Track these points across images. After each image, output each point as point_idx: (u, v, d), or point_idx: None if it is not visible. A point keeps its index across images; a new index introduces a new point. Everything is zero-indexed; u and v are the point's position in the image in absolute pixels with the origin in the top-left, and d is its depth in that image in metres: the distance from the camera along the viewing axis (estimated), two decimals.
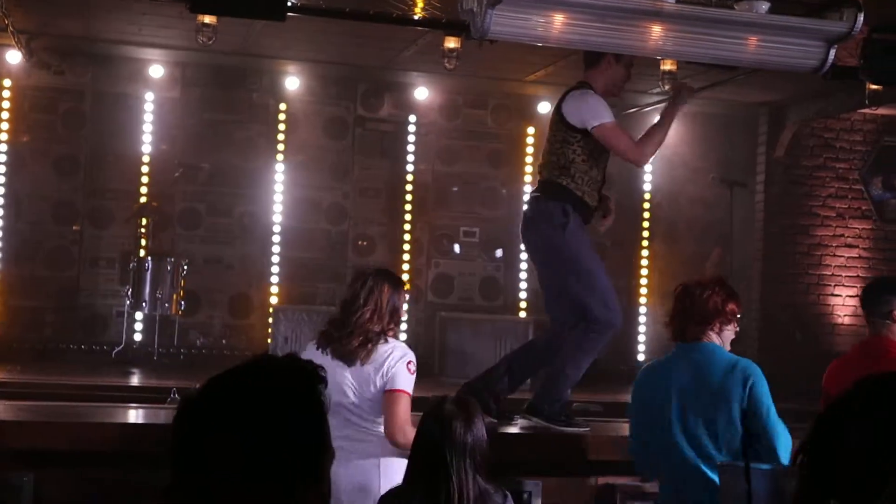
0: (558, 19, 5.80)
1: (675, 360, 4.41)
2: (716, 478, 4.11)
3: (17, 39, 9.11)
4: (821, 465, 1.78)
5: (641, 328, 11.18)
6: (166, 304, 9.41)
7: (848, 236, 11.20)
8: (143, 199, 10.15)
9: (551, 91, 10.51)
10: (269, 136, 10.63)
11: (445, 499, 3.54)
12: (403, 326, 9.29)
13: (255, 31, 8.94)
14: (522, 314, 10.86)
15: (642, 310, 11.23)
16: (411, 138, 10.95)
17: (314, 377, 1.96)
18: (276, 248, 10.58)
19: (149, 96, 10.33)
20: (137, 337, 9.96)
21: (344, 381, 4.45)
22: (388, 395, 4.42)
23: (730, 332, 4.46)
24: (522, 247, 10.83)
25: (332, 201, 10.81)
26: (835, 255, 11.16)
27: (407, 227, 10.92)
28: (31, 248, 10.11)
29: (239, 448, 1.84)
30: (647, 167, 11.23)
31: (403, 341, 4.82)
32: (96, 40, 10.01)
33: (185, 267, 9.57)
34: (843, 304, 11.11)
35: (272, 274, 10.56)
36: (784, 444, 4.18)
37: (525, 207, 6.07)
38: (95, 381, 8.26)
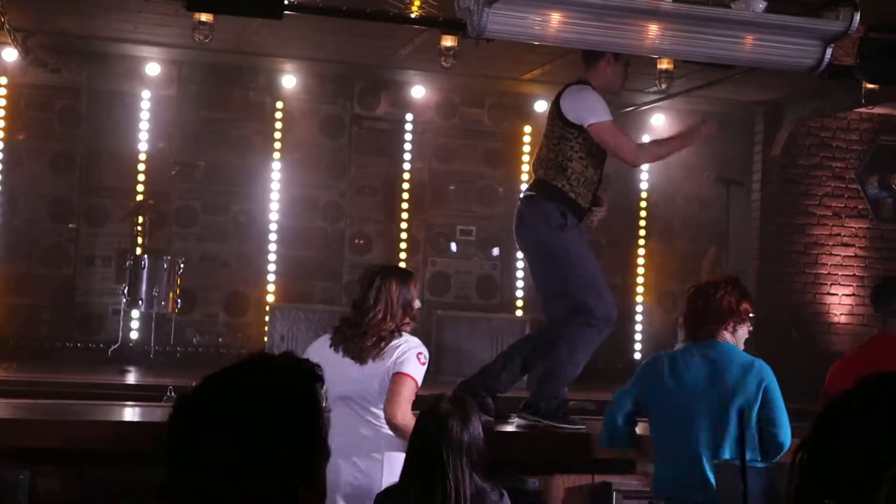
0: (555, 18, 5.81)
1: (690, 355, 4.41)
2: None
3: (13, 37, 9.10)
4: (820, 463, 1.78)
5: (637, 326, 11.19)
6: (162, 303, 9.40)
7: (844, 235, 11.21)
8: (139, 197, 10.14)
9: (548, 90, 10.50)
10: (266, 134, 10.62)
11: (442, 497, 3.54)
12: None
13: (251, 29, 8.93)
14: (519, 312, 10.86)
15: (638, 308, 11.24)
16: (408, 137, 10.95)
17: (311, 376, 1.96)
18: (272, 247, 10.57)
19: (145, 94, 10.32)
20: (134, 335, 9.95)
21: (353, 376, 4.47)
22: (394, 376, 4.41)
23: (743, 331, 4.48)
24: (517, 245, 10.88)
25: (329, 200, 10.80)
26: (831, 254, 11.18)
27: (404, 225, 10.91)
28: (27, 246, 10.10)
29: (235, 446, 1.84)
30: (644, 165, 11.23)
31: None
32: (92, 38, 9.99)
33: (182, 265, 9.55)
34: (840, 302, 11.12)
35: (269, 272, 10.55)
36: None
37: (518, 205, 6.05)
38: (91, 379, 8.25)
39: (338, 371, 4.48)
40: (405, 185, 10.93)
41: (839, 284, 11.15)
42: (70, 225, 10.24)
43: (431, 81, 10.67)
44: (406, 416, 4.24)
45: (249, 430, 1.85)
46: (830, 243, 11.19)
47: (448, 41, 7.83)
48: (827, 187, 11.22)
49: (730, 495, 3.80)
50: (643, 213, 11.40)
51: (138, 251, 9.71)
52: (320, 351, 4.57)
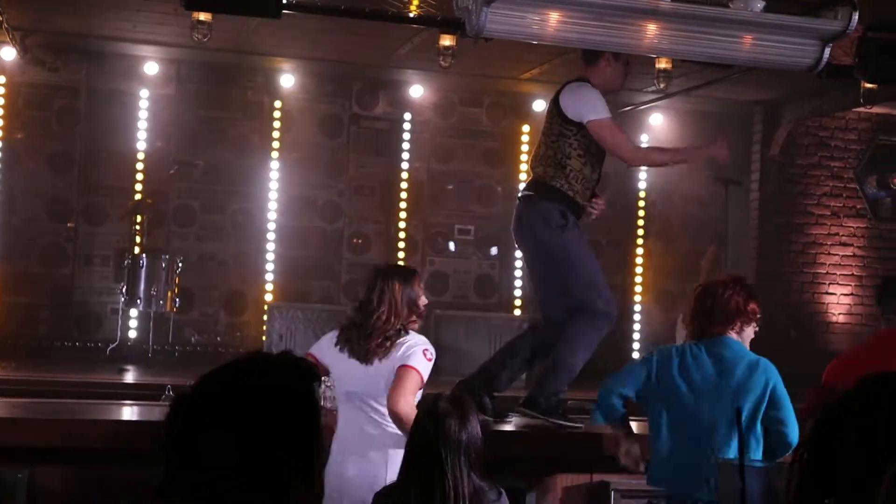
0: (553, 17, 5.81)
1: (699, 352, 4.42)
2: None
3: (12, 36, 9.09)
4: (820, 463, 1.78)
5: (636, 326, 11.19)
6: (161, 302, 9.40)
7: (842, 235, 11.22)
8: (137, 197, 10.14)
9: (546, 89, 10.50)
10: (264, 133, 10.62)
11: (441, 497, 3.54)
12: None
13: (250, 28, 8.93)
14: (517, 312, 10.85)
15: (637, 308, 11.24)
16: (406, 136, 10.95)
17: (309, 375, 1.96)
18: (270, 246, 10.57)
19: (143, 93, 10.31)
20: (132, 334, 9.95)
21: (359, 375, 4.48)
22: (399, 369, 4.41)
23: (749, 331, 4.49)
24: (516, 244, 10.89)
25: (327, 199, 10.80)
26: (829, 254, 11.18)
27: (402, 224, 10.91)
28: (26, 245, 10.09)
29: (234, 446, 1.84)
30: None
31: None
32: (91, 37, 9.99)
33: (180, 264, 9.55)
34: (838, 302, 11.12)
35: (267, 271, 10.55)
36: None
37: (517, 207, 6.04)
38: (90, 378, 8.25)
39: (344, 368, 4.49)
40: (403, 185, 10.93)
41: (837, 284, 11.16)
42: (68, 224, 10.24)
43: (430, 81, 10.67)
44: (408, 406, 4.24)
45: (249, 429, 1.85)
46: (829, 243, 11.19)
47: (446, 40, 7.83)
48: (825, 187, 11.23)
49: (729, 494, 3.80)
50: (642, 213, 11.40)
51: (137, 250, 9.70)
52: (329, 347, 4.58)
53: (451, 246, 11.09)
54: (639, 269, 11.31)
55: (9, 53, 9.62)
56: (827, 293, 11.14)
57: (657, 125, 11.21)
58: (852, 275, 11.19)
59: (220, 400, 1.89)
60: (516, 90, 10.98)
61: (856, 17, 5.96)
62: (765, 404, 4.29)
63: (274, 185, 10.58)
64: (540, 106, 10.82)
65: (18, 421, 5.40)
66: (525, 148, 11.06)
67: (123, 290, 9.39)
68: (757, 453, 4.28)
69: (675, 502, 4.39)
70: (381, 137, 10.96)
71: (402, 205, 10.91)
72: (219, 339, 10.38)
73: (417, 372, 4.41)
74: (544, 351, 5.95)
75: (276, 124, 10.61)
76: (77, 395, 7.00)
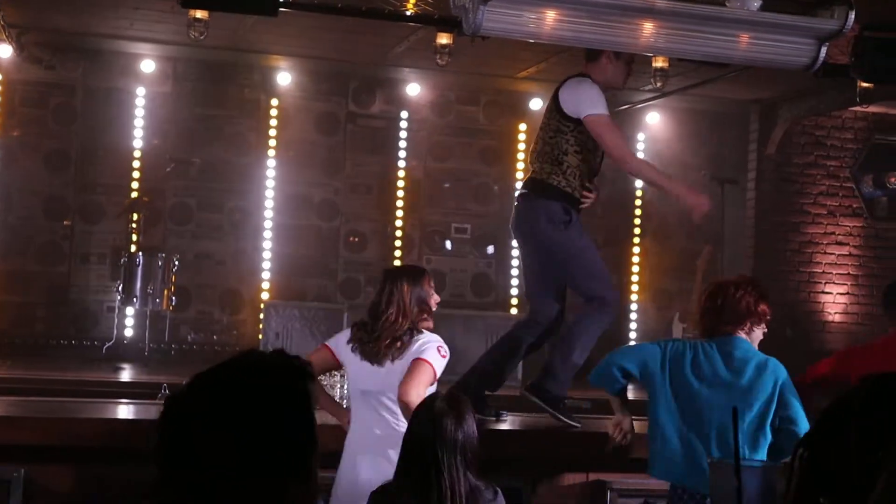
0: (550, 16, 5.81)
1: (710, 349, 4.43)
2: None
3: (8, 34, 9.09)
4: (819, 461, 1.79)
5: (632, 325, 11.20)
6: (157, 300, 9.39)
7: (839, 234, 11.23)
8: (134, 195, 10.13)
9: (543, 88, 10.52)
10: (261, 131, 10.62)
11: (437, 496, 3.54)
12: None
13: (246, 26, 8.92)
14: (514, 311, 10.86)
15: (633, 306, 11.25)
16: (403, 134, 10.95)
17: (304, 373, 1.95)
18: (267, 244, 10.57)
19: (140, 91, 10.31)
20: (128, 332, 9.95)
21: (371, 375, 4.48)
22: (412, 362, 4.40)
23: (759, 332, 4.50)
24: (516, 243, 10.88)
25: (324, 197, 10.80)
26: (825, 253, 11.19)
27: (398, 223, 10.91)
28: (22, 243, 10.09)
29: (234, 445, 1.83)
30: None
31: None
32: (87, 35, 9.99)
33: (177, 262, 9.55)
34: (834, 301, 11.14)
35: (263, 269, 10.55)
36: None
37: (518, 204, 6.05)
38: (86, 376, 8.25)
39: (358, 368, 4.50)
40: (400, 183, 10.93)
41: (833, 283, 11.17)
42: (65, 222, 10.23)
43: (426, 79, 10.67)
44: (419, 398, 4.22)
45: (249, 429, 1.85)
46: (825, 242, 11.20)
47: (443, 39, 7.84)
48: (822, 186, 11.24)
49: (724, 493, 3.80)
50: (638, 212, 11.41)
51: (133, 248, 9.70)
52: (344, 344, 4.60)
53: (448, 244, 11.09)
54: (635, 268, 11.31)
55: (5, 51, 9.61)
56: (823, 292, 11.15)
57: (654, 124, 11.22)
58: (848, 274, 11.20)
59: (218, 399, 1.88)
60: (513, 89, 10.98)
61: (852, 16, 5.97)
62: (774, 404, 4.31)
63: (270, 183, 10.58)
64: (537, 104, 10.83)
65: (14, 419, 5.40)
66: (522, 147, 11.07)
67: (120, 288, 9.38)
68: (763, 453, 4.29)
69: (682, 497, 4.39)
70: (378, 136, 10.96)
71: (399, 203, 10.91)
72: (215, 337, 10.37)
73: (431, 366, 4.40)
74: (537, 348, 6.00)
75: (273, 122, 10.61)
76: (73, 394, 7.00)
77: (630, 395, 4.96)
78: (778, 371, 4.36)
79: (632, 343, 11.11)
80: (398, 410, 4.41)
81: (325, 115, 10.82)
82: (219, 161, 10.47)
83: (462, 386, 5.71)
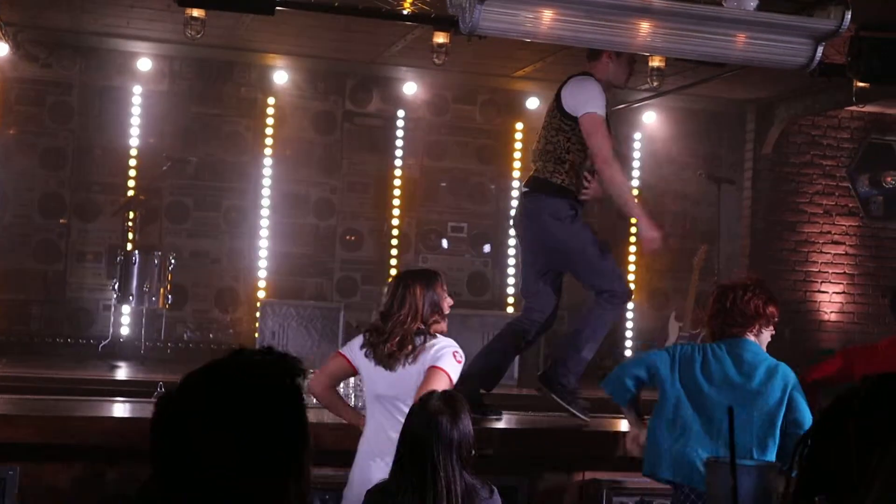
0: (547, 15, 5.82)
1: (720, 350, 4.43)
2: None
3: (5, 32, 9.07)
4: (819, 460, 1.79)
5: (629, 324, 11.19)
6: (153, 298, 9.38)
7: (835, 233, 11.24)
8: (130, 193, 10.12)
9: (540, 87, 10.53)
10: (257, 130, 10.61)
11: (433, 495, 3.54)
12: None
13: (243, 24, 8.92)
14: (510, 309, 10.85)
15: (629, 306, 11.23)
16: (399, 133, 10.94)
17: (295, 370, 1.95)
18: (263, 243, 10.56)
19: (136, 89, 10.30)
20: (124, 331, 9.93)
21: (385, 379, 4.46)
22: (429, 370, 4.37)
23: (767, 335, 4.50)
24: (512, 242, 10.90)
25: (320, 196, 10.79)
26: (821, 252, 11.21)
27: (395, 221, 10.91)
28: (18, 242, 10.08)
29: (228, 444, 1.83)
30: (635, 163, 11.26)
31: None
32: (84, 33, 9.98)
33: (173, 261, 9.54)
34: (830, 300, 11.15)
35: (260, 268, 10.55)
36: None
37: (522, 202, 6.07)
38: (82, 374, 8.24)
39: (372, 373, 4.48)
40: (396, 182, 10.92)
41: (829, 282, 11.19)
42: (61, 220, 10.22)
43: (423, 78, 10.67)
44: None
45: (243, 427, 1.84)
46: (821, 241, 11.22)
47: (440, 38, 7.83)
48: (818, 185, 11.25)
49: (720, 493, 3.81)
50: None
51: (129, 247, 9.69)
52: (357, 349, 4.58)
53: (444, 243, 11.09)
54: (631, 268, 11.31)
55: (1, 49, 9.58)
56: (819, 291, 11.16)
57: (650, 123, 11.22)
58: (844, 273, 11.22)
59: (212, 399, 1.87)
60: (509, 88, 10.98)
61: (848, 16, 5.98)
62: (783, 409, 4.32)
63: (267, 181, 10.57)
64: (533, 103, 10.83)
65: (10, 417, 5.39)
66: (518, 146, 11.07)
67: (116, 286, 9.37)
68: (771, 455, 4.30)
69: (689, 496, 4.38)
70: (375, 134, 10.95)
71: (396, 202, 10.91)
72: (211, 335, 10.37)
73: (447, 374, 4.37)
74: (531, 345, 6.05)
75: (270, 121, 10.60)
76: (69, 392, 6.99)
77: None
78: (788, 376, 4.38)
79: (630, 340, 11.14)
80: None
81: (321, 114, 10.81)
82: (215, 159, 10.47)
83: (458, 384, 5.72)
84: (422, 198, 11.03)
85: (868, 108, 10.78)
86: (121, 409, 6.28)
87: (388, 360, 4.46)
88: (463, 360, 4.50)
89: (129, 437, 5.07)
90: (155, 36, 9.75)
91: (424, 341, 4.47)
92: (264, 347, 2.00)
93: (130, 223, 9.86)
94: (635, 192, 11.37)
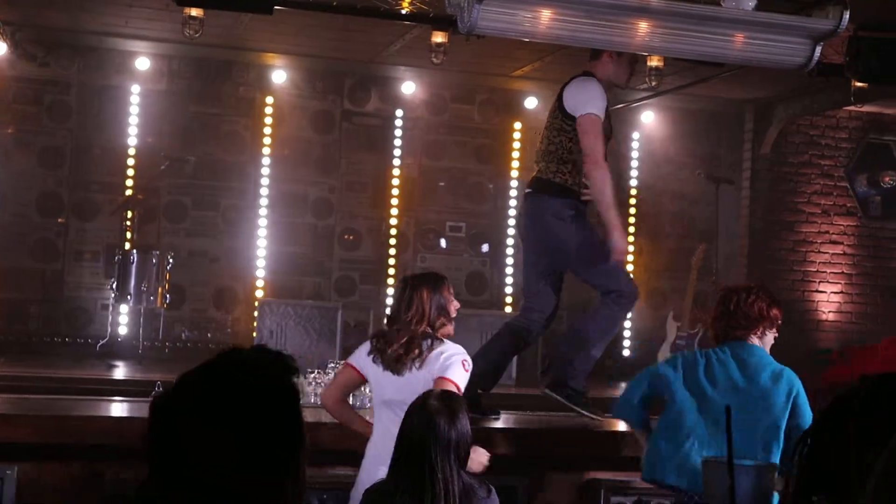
0: (545, 15, 5.82)
1: (724, 354, 4.43)
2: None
3: (3, 31, 9.06)
4: (819, 460, 1.79)
5: (626, 324, 11.18)
6: (151, 297, 9.38)
7: (833, 233, 11.25)
8: (128, 192, 10.12)
9: (538, 86, 10.54)
10: (256, 129, 10.61)
11: (430, 494, 3.54)
12: None
13: (242, 24, 8.92)
14: (508, 309, 10.85)
15: None
16: (398, 133, 10.94)
17: (290, 369, 1.94)
18: (261, 242, 10.56)
19: (135, 89, 10.29)
20: (122, 330, 9.93)
21: (393, 384, 4.45)
22: (437, 380, 4.35)
23: (770, 337, 4.50)
24: (510, 241, 10.90)
25: (319, 195, 10.79)
26: (819, 252, 11.21)
27: (393, 221, 10.91)
28: (16, 241, 10.06)
29: (223, 444, 1.83)
30: (633, 163, 11.27)
31: None
32: (82, 32, 9.97)
33: (171, 260, 9.53)
34: (828, 300, 11.15)
35: (258, 268, 10.54)
36: None
37: (525, 203, 6.09)
38: (80, 374, 8.23)
39: (380, 378, 4.47)
40: (395, 181, 10.92)
41: (827, 282, 11.19)
42: (59, 219, 10.22)
43: (421, 77, 10.66)
44: None
45: (239, 426, 1.84)
46: (819, 241, 11.22)
47: (438, 37, 7.83)
48: (816, 185, 11.25)
49: (717, 492, 3.81)
50: (632, 210, 11.41)
51: (127, 246, 9.69)
52: (365, 356, 4.57)
53: (443, 243, 11.09)
54: (629, 267, 11.30)
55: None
56: (817, 291, 11.17)
57: (649, 123, 11.23)
58: (842, 273, 11.22)
59: (208, 398, 1.87)
60: (508, 87, 10.98)
61: (847, 16, 5.98)
62: (787, 413, 4.32)
63: (265, 181, 10.57)
64: (532, 103, 10.84)
65: (8, 416, 5.39)
66: (517, 145, 11.07)
67: (114, 285, 9.36)
68: (775, 459, 4.30)
69: (693, 500, 4.38)
70: (373, 134, 10.95)
71: (394, 201, 10.91)
72: (209, 335, 10.36)
73: (455, 385, 4.35)
74: (529, 345, 6.06)
75: (268, 120, 10.59)
76: (67, 391, 6.99)
77: None
78: (793, 381, 4.38)
79: (628, 339, 11.14)
80: None
81: (320, 113, 10.81)
82: (214, 159, 10.47)
83: None
84: (420, 197, 11.03)
85: (866, 108, 10.79)
86: (119, 408, 6.28)
87: (395, 365, 4.45)
88: (471, 368, 4.49)
89: (127, 437, 5.07)
90: (153, 35, 9.74)
91: (432, 345, 4.47)
92: (258, 346, 1.99)
93: (128, 222, 9.86)
94: (633, 191, 11.39)
